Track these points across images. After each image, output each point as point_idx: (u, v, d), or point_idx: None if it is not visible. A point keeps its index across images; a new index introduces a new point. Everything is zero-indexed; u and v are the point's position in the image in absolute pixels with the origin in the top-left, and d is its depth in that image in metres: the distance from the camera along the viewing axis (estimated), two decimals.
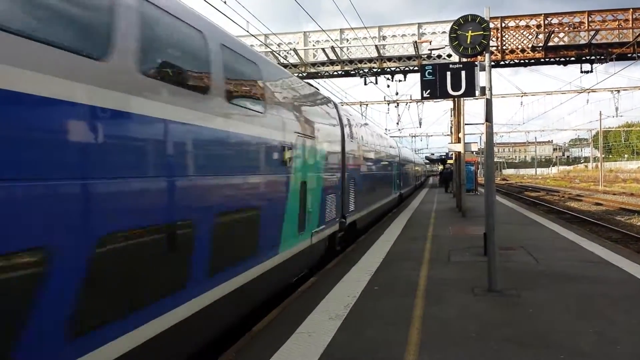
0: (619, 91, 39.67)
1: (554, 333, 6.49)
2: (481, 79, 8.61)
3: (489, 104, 8.72)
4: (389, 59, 25.65)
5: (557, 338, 6.30)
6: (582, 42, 24.10)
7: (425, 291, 8.80)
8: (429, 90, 8.67)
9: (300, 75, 27.05)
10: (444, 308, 7.74)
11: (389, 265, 11.23)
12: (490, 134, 8.94)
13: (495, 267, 8.62)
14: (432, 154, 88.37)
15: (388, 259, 12.05)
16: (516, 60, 25.10)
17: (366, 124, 21.05)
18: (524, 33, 24.61)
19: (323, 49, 25.41)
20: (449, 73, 8.57)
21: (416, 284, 9.32)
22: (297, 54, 25.44)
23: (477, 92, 8.56)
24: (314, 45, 26.15)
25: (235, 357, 6.02)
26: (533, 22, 24.67)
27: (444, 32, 24.28)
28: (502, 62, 25.03)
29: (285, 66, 26.49)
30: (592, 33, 23.79)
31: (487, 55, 8.69)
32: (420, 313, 7.50)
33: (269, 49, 25.57)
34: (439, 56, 24.51)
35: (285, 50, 25.64)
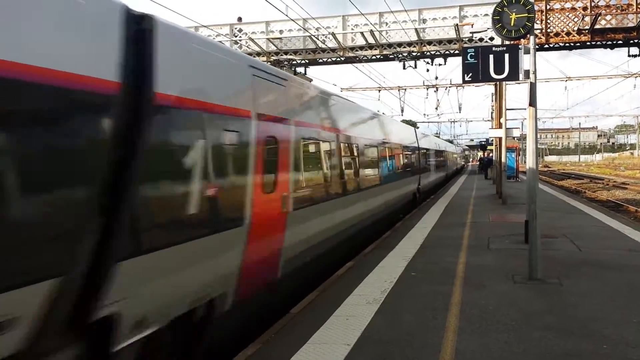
0: None
1: (596, 322, 6.35)
2: (525, 62, 8.40)
3: (533, 88, 8.52)
4: (429, 42, 25.21)
5: (600, 327, 6.16)
6: (630, 24, 23.18)
7: (464, 278, 8.71)
8: (470, 74, 8.51)
9: (338, 59, 26.90)
10: (483, 295, 7.66)
11: (427, 252, 11.16)
12: (534, 118, 8.73)
13: (536, 255, 8.46)
14: (472, 140, 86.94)
15: (426, 245, 11.97)
16: (561, 44, 24.34)
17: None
18: (570, 15, 23.84)
19: (362, 33, 25.16)
20: (491, 56, 8.39)
21: (454, 271, 9.24)
22: (336, 38, 25.27)
23: (521, 76, 8.36)
24: (352, 29, 25.90)
25: (274, 337, 6.10)
26: (579, 4, 23.84)
27: (486, 14, 23.70)
28: (546, 46, 24.30)
29: (324, 51, 26.37)
30: None
31: (531, 37, 8.47)
32: (459, 300, 7.45)
33: (307, 34, 25.49)
34: (481, 39, 23.97)
35: (323, 35, 25.48)
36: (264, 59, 26.15)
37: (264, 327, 6.58)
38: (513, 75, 8.41)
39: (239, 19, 27.04)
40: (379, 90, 40.29)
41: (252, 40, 26.21)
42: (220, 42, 24.61)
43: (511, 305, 7.11)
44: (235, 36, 26.59)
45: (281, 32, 26.57)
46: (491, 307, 7.07)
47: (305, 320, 6.70)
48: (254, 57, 25.28)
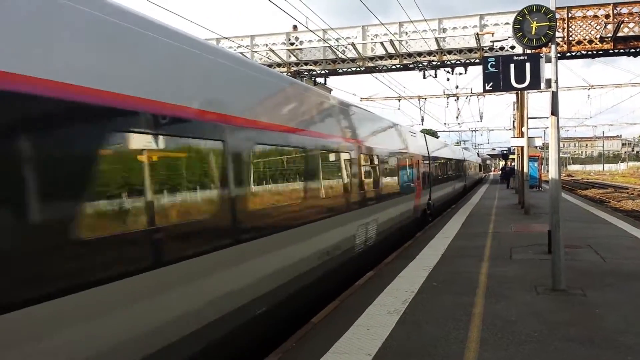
0: None
1: (621, 334, 6.24)
2: (547, 71, 8.35)
3: (554, 97, 8.45)
4: (449, 51, 25.19)
5: (625, 339, 6.05)
6: None
7: (486, 288, 8.64)
8: (491, 83, 8.48)
9: (358, 69, 26.96)
10: (505, 306, 7.59)
11: (448, 262, 11.08)
12: (556, 127, 8.66)
13: (560, 266, 8.36)
14: (493, 149, 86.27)
15: (447, 254, 11.90)
16: (583, 52, 24.15)
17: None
18: (592, 23, 23.64)
19: (381, 43, 25.21)
20: (512, 65, 8.34)
21: (476, 281, 9.17)
22: (355, 49, 25.36)
23: (543, 85, 8.31)
24: (372, 39, 25.98)
25: (295, 346, 6.11)
26: (601, 12, 23.64)
27: (507, 23, 23.62)
28: (568, 54, 24.14)
29: (343, 61, 26.47)
30: None
31: (553, 46, 8.42)
32: (481, 310, 7.38)
33: (327, 44, 25.62)
34: (502, 48, 23.87)
35: (343, 45, 25.59)
36: (284, 69, 26.34)
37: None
38: (534, 84, 8.35)
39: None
40: (399, 100, 40.23)
41: (272, 51, 26.42)
42: (241, 53, 24.86)
43: (534, 317, 7.03)
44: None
45: (301, 42, 26.75)
46: (514, 318, 7.00)
47: (325, 330, 6.70)
48: (274, 67, 25.52)
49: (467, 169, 42.36)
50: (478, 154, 72.45)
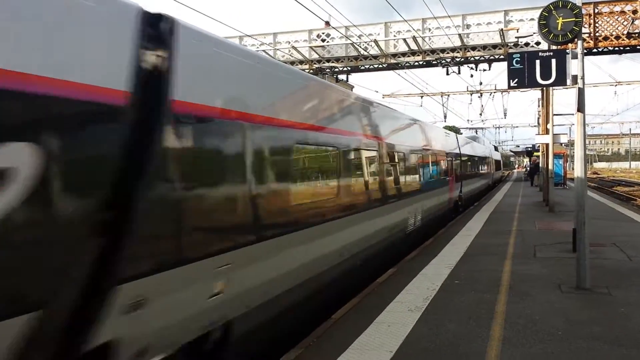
0: None
1: None
2: (573, 67, 8.23)
3: (581, 94, 8.33)
4: (473, 47, 24.93)
5: None
6: None
7: (509, 286, 8.56)
8: (516, 80, 8.39)
9: (380, 66, 26.85)
10: (528, 304, 7.51)
11: (471, 259, 11.01)
12: (582, 124, 8.54)
13: (585, 264, 8.25)
14: (517, 146, 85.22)
15: (469, 252, 11.82)
16: (610, 48, 23.69)
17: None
18: (619, 19, 23.18)
19: (404, 39, 25.07)
20: (538, 61, 8.25)
21: (499, 279, 9.09)
22: (378, 45, 25.26)
23: (569, 81, 8.19)
24: (395, 36, 25.84)
25: (315, 342, 6.14)
26: (628, 8, 23.15)
27: (532, 19, 23.30)
28: (594, 50, 23.71)
29: (366, 58, 26.39)
30: None
31: (579, 42, 8.30)
32: (504, 308, 7.32)
33: (349, 41, 25.55)
34: (527, 44, 23.56)
35: (365, 42, 25.50)
36: (307, 67, 26.37)
37: None
38: (560, 81, 8.25)
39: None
40: (422, 97, 40.03)
41: (295, 48, 26.46)
42: (264, 51, 24.94)
43: (558, 315, 6.95)
44: (323, 41, 26.57)
45: (323, 40, 26.74)
46: (537, 316, 6.93)
47: (346, 326, 6.71)
48: (296, 65, 25.55)
49: (460, 171, 23.03)
50: (496, 147, 57.32)
